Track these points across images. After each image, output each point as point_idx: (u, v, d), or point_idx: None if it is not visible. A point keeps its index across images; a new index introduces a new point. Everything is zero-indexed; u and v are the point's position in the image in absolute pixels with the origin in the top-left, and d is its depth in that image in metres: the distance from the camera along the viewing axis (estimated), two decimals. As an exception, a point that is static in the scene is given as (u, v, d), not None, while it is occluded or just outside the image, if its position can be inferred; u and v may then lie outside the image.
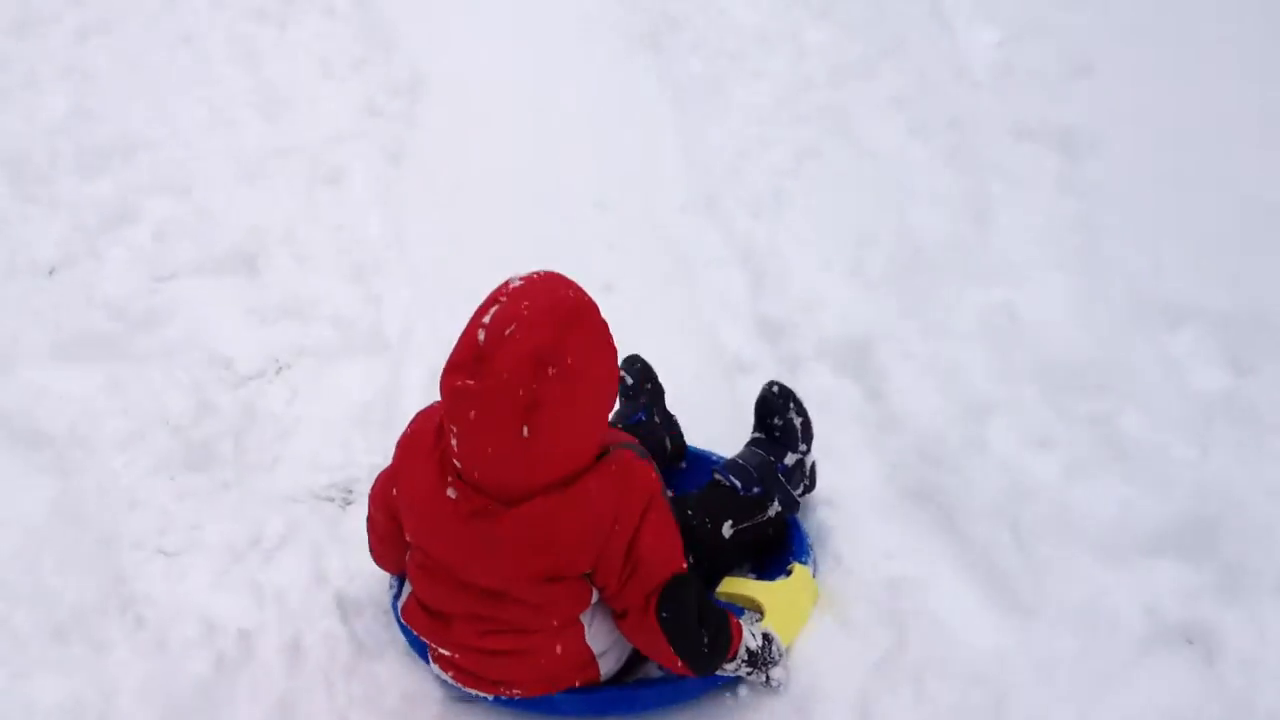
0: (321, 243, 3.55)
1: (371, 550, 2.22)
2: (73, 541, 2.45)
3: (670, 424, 2.63)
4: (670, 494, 2.09)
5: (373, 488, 2.16)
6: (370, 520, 2.18)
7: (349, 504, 2.62)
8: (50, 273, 3.51)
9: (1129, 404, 2.51)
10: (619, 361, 1.99)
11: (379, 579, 2.30)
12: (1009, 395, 2.61)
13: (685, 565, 1.95)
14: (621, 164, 3.88)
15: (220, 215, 3.70)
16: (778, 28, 4.34)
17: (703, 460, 2.56)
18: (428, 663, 2.11)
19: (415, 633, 2.08)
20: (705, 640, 1.91)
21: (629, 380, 2.61)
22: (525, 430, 1.72)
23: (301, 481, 2.69)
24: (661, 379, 2.66)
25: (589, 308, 1.85)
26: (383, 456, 2.24)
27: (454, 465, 1.86)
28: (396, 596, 2.20)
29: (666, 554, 1.92)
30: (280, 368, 3.13)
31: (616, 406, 2.33)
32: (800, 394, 2.45)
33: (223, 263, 3.51)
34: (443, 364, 1.81)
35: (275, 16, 4.96)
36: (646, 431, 2.50)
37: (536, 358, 1.71)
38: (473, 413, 1.75)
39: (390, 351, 3.14)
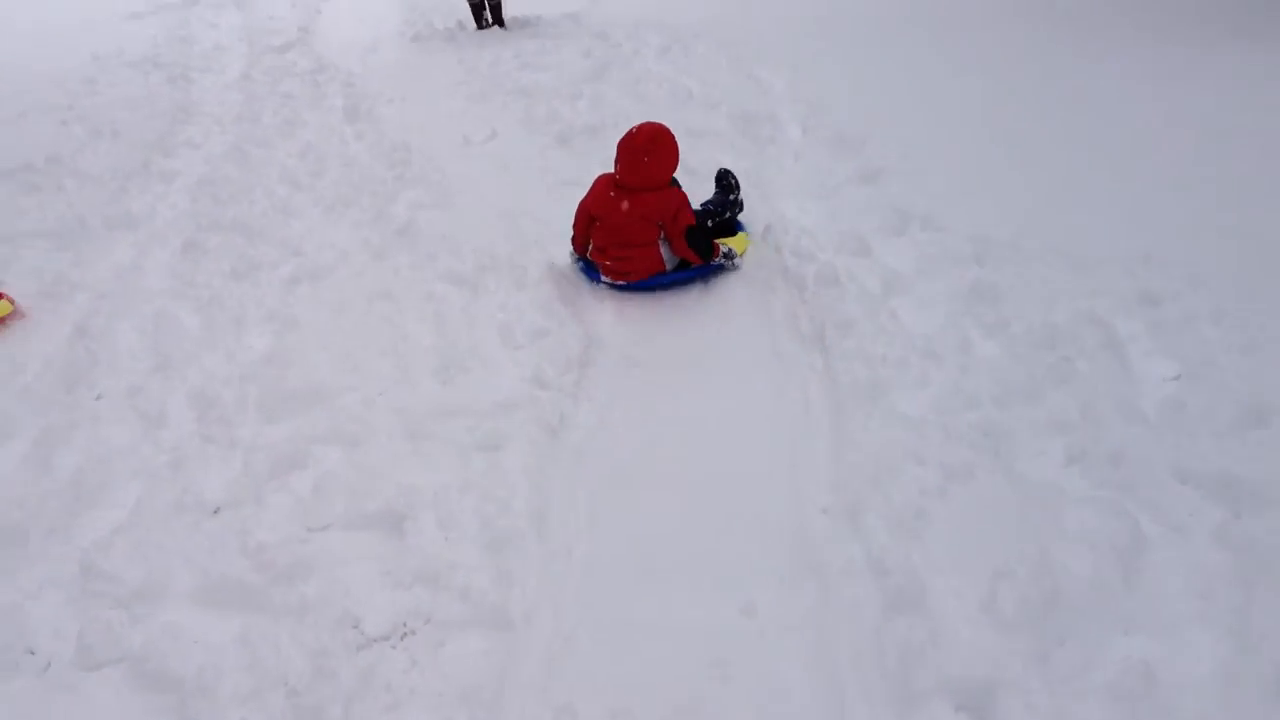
0: (468, 511, 3.63)
1: (574, 240, 5.37)
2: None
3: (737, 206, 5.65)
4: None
5: (577, 209, 5.29)
6: (575, 223, 5.33)
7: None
8: (215, 512, 3.71)
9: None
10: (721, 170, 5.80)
11: None
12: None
13: (695, 222, 5.07)
14: (773, 459, 3.89)
15: (379, 472, 3.86)
16: (947, 340, 4.33)
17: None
18: (597, 277, 5.21)
19: (594, 263, 5.22)
20: (702, 247, 5.05)
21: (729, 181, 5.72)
22: (646, 159, 5.01)
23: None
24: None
25: (668, 132, 5.09)
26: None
27: (614, 180, 5.11)
28: (583, 266, 5.35)
29: (688, 218, 5.04)
30: (405, 634, 3.18)
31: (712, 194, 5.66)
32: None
33: (372, 520, 3.63)
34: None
35: (470, 282, 5.25)
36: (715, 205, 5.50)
37: (649, 136, 5.03)
38: (628, 153, 5.01)
39: (512, 632, 3.16)
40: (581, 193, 5.34)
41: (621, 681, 2.99)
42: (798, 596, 3.25)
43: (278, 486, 3.82)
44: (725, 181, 5.65)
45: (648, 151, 5.01)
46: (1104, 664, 2.79)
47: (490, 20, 10.73)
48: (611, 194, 5.08)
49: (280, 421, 4.23)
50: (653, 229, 5.02)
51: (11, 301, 5.10)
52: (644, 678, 2.99)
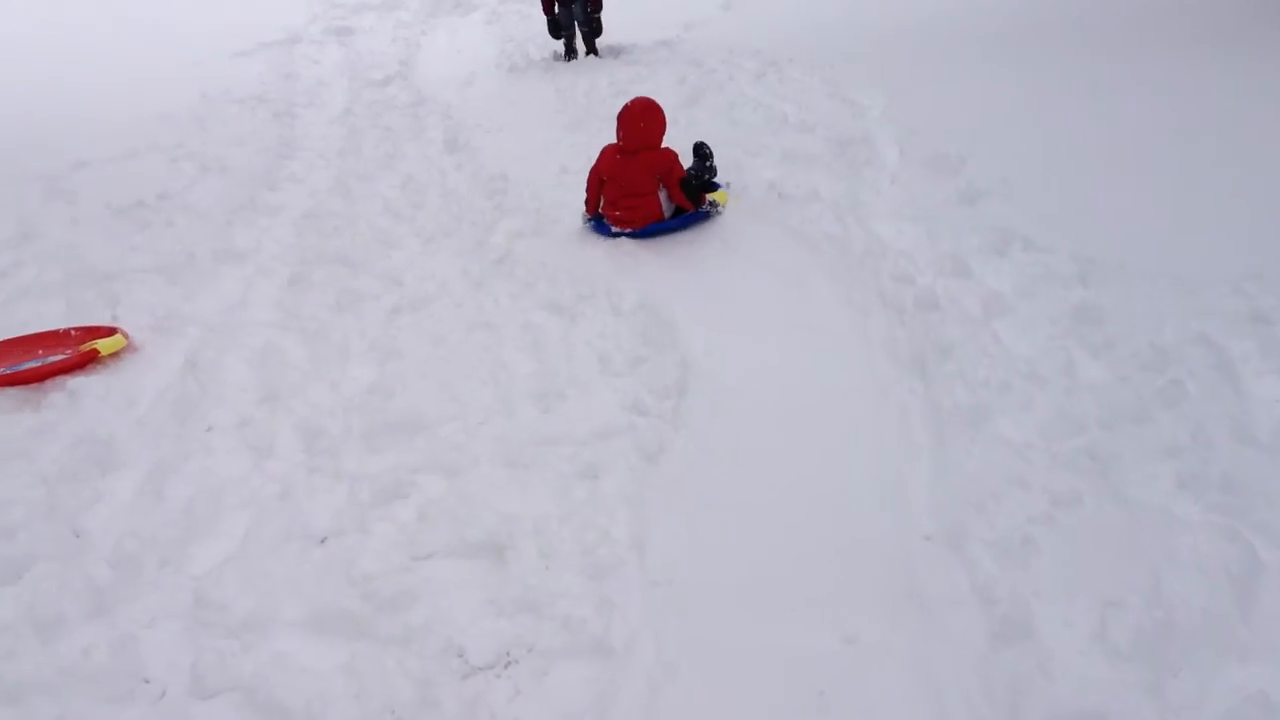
0: (568, 539, 3.65)
1: (587, 204, 6.59)
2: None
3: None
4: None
5: (588, 177, 6.58)
6: (589, 186, 6.57)
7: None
8: (322, 541, 3.78)
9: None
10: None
11: None
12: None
13: (686, 175, 6.44)
14: (873, 484, 3.85)
15: (480, 500, 3.89)
16: (1050, 362, 4.25)
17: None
18: (608, 231, 6.39)
19: (604, 216, 6.46)
20: (694, 196, 6.37)
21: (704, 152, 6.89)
22: (641, 125, 6.40)
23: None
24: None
25: (655, 103, 6.52)
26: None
27: (618, 147, 6.47)
28: (595, 224, 6.55)
29: (680, 172, 6.40)
30: (509, 662, 3.20)
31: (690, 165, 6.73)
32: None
33: (474, 549, 3.67)
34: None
35: (567, 310, 5.30)
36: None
37: (643, 107, 6.43)
38: (628, 121, 6.40)
39: (614, 661, 3.16)
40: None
41: (723, 710, 2.97)
42: (901, 625, 3.21)
43: (382, 516, 3.88)
44: (701, 151, 6.87)
45: (642, 119, 6.41)
46: (1220, 694, 2.71)
47: (583, 50, 10.84)
48: (618, 157, 6.44)
49: (384, 451, 4.30)
50: (653, 181, 6.33)
51: (125, 336, 5.26)
52: (745, 706, 2.97)
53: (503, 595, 3.44)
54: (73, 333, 5.33)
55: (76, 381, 4.84)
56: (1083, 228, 5.25)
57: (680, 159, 6.50)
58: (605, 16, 11.03)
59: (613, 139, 6.53)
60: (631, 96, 8.21)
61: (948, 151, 6.45)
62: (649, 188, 6.32)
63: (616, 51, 10.56)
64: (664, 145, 6.49)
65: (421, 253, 6.33)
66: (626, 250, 5.93)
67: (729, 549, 3.62)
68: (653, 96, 6.60)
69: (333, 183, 7.70)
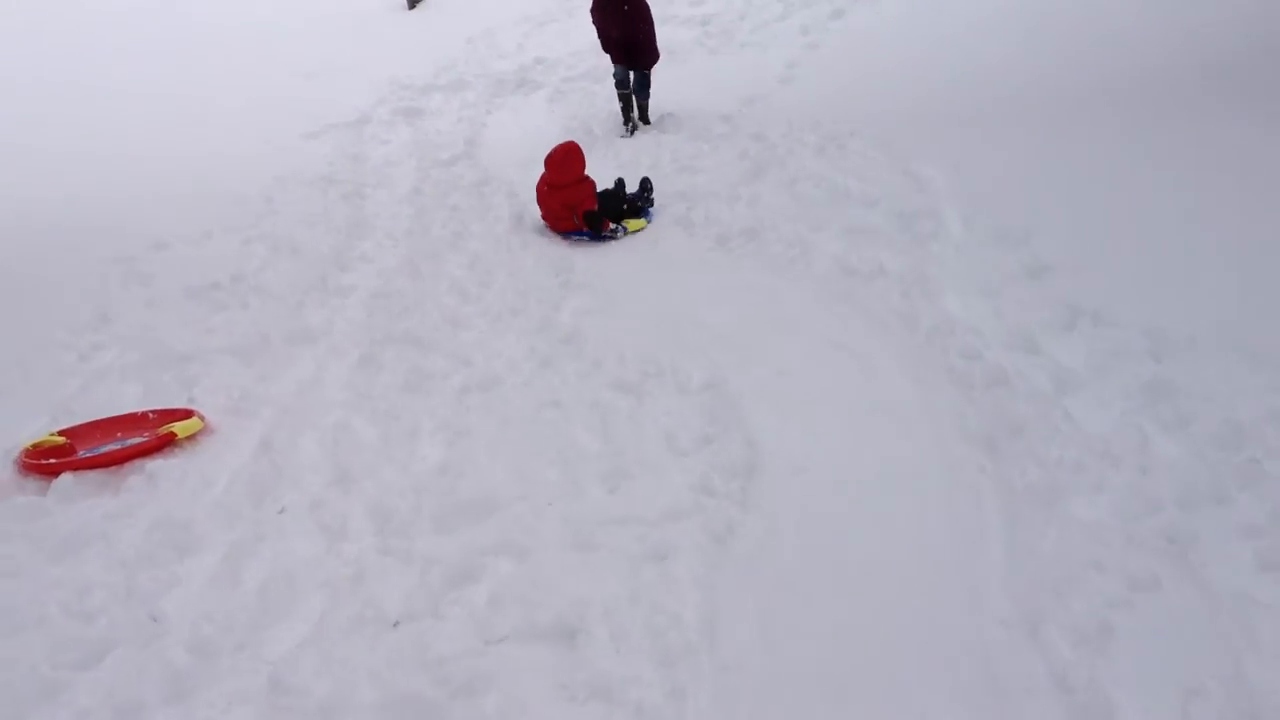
0: (638, 623, 3.66)
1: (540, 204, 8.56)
2: None
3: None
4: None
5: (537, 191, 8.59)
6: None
7: None
8: (395, 625, 3.81)
9: None
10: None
11: None
12: None
13: (594, 208, 8.13)
14: (946, 567, 3.81)
15: (550, 583, 3.91)
16: (1124, 440, 4.21)
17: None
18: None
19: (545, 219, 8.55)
20: (593, 224, 8.07)
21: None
22: (563, 166, 8.33)
23: None
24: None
25: (575, 147, 8.63)
26: None
27: (547, 179, 8.40)
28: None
29: (589, 205, 8.13)
30: (582, 751, 3.20)
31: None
32: None
33: (545, 632, 3.68)
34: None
35: (634, 389, 5.34)
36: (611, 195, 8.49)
37: (563, 153, 8.46)
38: (552, 163, 8.39)
39: (687, 751, 3.16)
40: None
41: (799, 802, 2.95)
42: (978, 714, 3.17)
43: (454, 598, 3.91)
44: (645, 185, 8.60)
45: (564, 162, 8.35)
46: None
47: (638, 120, 11.02)
48: (545, 188, 8.40)
49: (454, 532, 4.33)
50: (568, 210, 8.17)
51: (202, 418, 5.36)
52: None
53: (574, 680, 3.45)
54: (151, 415, 5.45)
55: (155, 464, 4.94)
56: (1152, 301, 5.21)
57: (625, 185, 8.60)
58: (668, 92, 11.21)
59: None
60: (694, 173, 8.29)
61: (1013, 224, 6.42)
62: (565, 214, 8.19)
63: (678, 126, 10.67)
64: (586, 175, 8.41)
65: (489, 332, 6.40)
66: (692, 329, 5.95)
67: (800, 633, 3.61)
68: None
69: (401, 262, 7.82)
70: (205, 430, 5.34)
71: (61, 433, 5.29)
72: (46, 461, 5.01)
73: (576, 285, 6.96)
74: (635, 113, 11.08)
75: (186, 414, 5.41)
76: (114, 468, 5.01)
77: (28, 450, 5.08)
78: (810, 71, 11.46)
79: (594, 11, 11.01)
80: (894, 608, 3.66)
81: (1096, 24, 9.98)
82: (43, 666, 3.68)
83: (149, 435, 5.23)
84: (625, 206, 8.26)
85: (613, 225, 8.07)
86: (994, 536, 3.92)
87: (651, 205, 8.43)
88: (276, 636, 3.80)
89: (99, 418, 5.50)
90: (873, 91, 10.28)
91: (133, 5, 16.81)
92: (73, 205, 9.44)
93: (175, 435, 5.17)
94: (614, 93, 11.22)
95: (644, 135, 10.61)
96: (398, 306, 6.90)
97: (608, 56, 11.21)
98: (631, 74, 10.97)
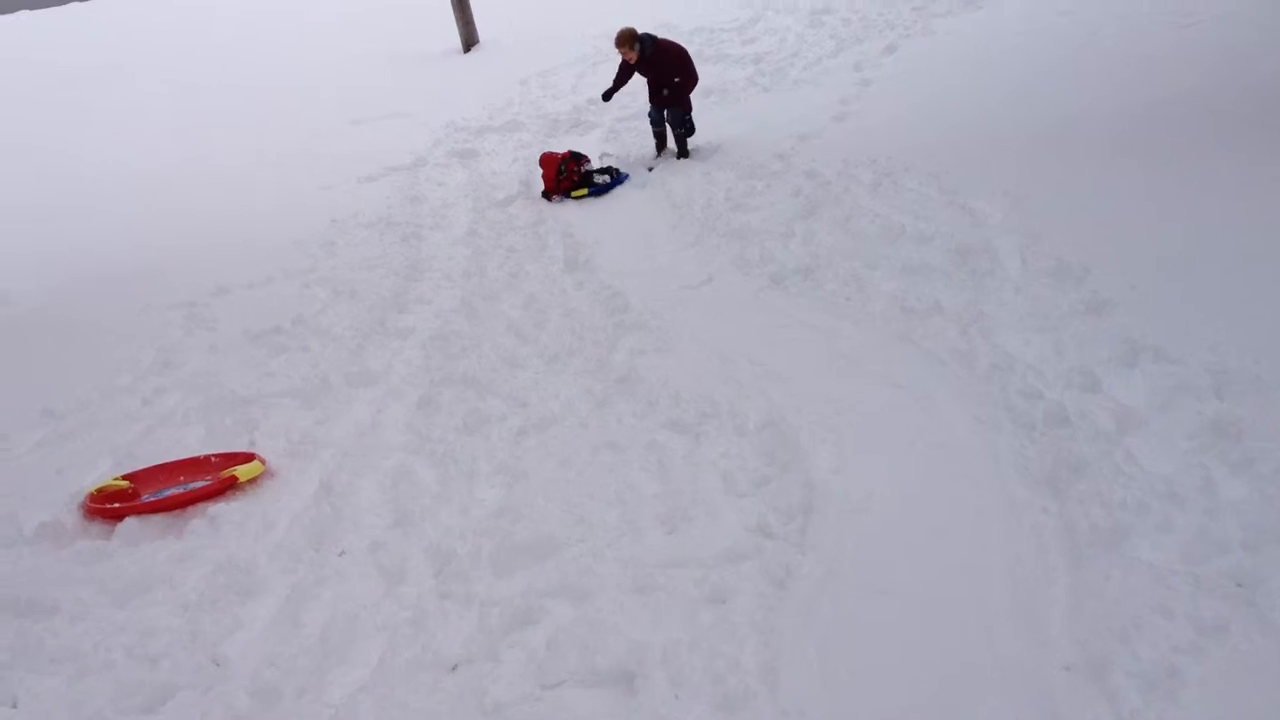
0: (698, 668, 3.64)
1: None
2: None
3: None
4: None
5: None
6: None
7: None
8: (453, 669, 3.82)
9: None
10: None
11: None
12: None
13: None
14: (1009, 611, 3.75)
15: (609, 627, 3.91)
16: (1189, 480, 4.14)
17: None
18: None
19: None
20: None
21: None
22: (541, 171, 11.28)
23: None
24: None
25: (551, 156, 11.16)
26: None
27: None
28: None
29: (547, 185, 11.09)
30: (642, 798, 3.19)
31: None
32: None
33: (603, 677, 3.68)
34: None
35: (691, 429, 5.33)
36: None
37: (542, 161, 11.31)
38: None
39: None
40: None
41: None
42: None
43: (512, 642, 3.92)
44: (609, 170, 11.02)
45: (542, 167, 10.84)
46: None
47: (675, 151, 11.24)
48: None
49: (512, 575, 4.35)
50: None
51: (263, 462, 5.43)
52: None
53: (633, 727, 3.43)
54: (213, 459, 5.53)
55: (217, 508, 5.01)
56: (1214, 336, 5.13)
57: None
58: (720, 130, 11.32)
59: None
60: (748, 211, 8.33)
61: (1072, 259, 6.36)
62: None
63: (732, 164, 10.69)
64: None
65: (545, 372, 6.43)
66: (748, 368, 5.93)
67: (861, 677, 3.57)
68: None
69: (458, 304, 7.88)
70: (266, 473, 5.41)
71: (125, 477, 5.40)
72: (111, 506, 5.11)
73: (631, 325, 6.97)
74: (671, 144, 11.32)
75: (248, 457, 5.48)
76: (177, 511, 5.09)
77: (92, 495, 5.18)
78: (863, 107, 11.48)
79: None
80: (956, 651, 3.61)
81: (1138, 45, 9.95)
82: (107, 711, 3.74)
83: (211, 479, 5.31)
84: (578, 178, 10.82)
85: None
86: (1057, 579, 3.86)
87: (612, 179, 10.91)
88: (336, 680, 3.83)
89: (162, 462, 5.60)
90: (926, 124, 10.27)
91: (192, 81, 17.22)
92: (138, 253, 9.65)
93: (237, 478, 5.24)
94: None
95: (696, 173, 10.62)
96: (455, 348, 6.95)
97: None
98: (666, 111, 11.21)
